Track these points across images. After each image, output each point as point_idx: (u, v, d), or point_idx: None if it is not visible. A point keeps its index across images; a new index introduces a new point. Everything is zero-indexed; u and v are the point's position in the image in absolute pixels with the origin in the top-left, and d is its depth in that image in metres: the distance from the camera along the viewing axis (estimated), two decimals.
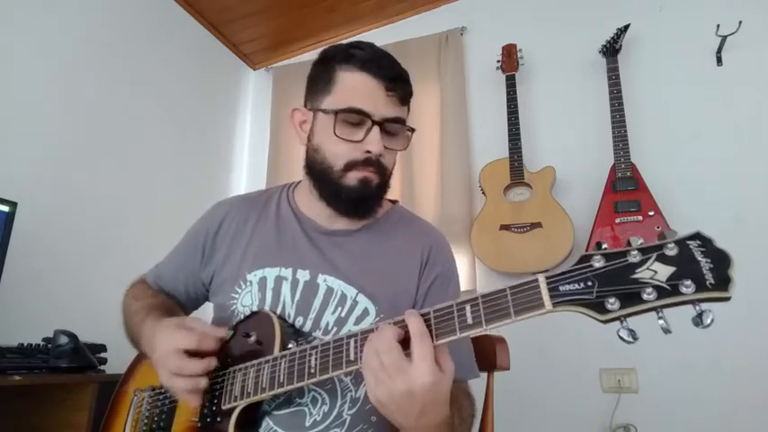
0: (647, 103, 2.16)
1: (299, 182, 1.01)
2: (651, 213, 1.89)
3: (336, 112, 0.84)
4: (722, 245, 0.50)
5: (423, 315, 0.61)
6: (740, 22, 1.99)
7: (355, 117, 0.83)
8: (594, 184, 2.06)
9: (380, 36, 2.62)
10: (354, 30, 2.80)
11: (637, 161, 1.99)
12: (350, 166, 0.85)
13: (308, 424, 0.80)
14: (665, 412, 1.86)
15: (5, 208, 1.48)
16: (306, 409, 0.81)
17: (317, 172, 0.89)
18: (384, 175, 0.88)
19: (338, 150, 0.85)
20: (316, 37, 2.85)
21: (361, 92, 0.84)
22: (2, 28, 1.72)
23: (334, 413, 0.81)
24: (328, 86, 0.87)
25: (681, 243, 0.51)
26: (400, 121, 0.87)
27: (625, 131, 2.01)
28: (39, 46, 1.83)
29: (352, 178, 0.85)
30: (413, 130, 0.90)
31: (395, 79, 0.85)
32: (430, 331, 0.60)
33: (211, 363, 0.75)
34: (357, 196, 0.86)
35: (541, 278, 0.55)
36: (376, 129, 0.83)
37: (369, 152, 0.84)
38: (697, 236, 0.51)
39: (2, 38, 1.72)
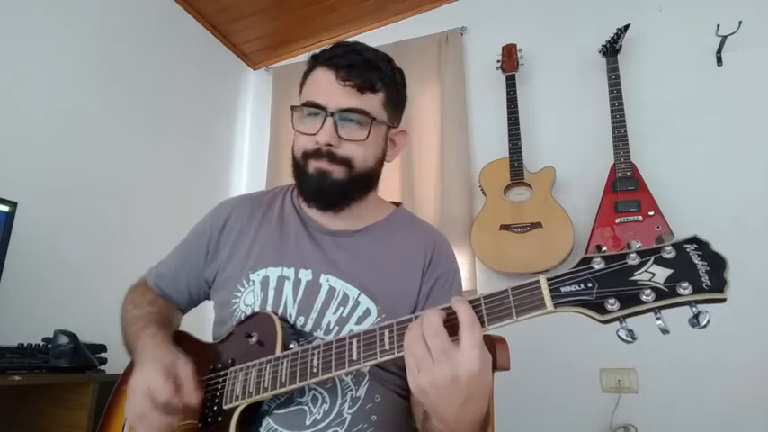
0: (647, 103, 2.16)
1: None
2: (651, 213, 1.89)
3: (294, 108, 0.90)
4: (718, 248, 0.52)
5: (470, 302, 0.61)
6: (740, 22, 1.99)
7: (312, 110, 0.87)
8: (594, 184, 2.06)
9: (380, 36, 2.62)
10: (354, 30, 2.80)
11: (637, 161, 1.99)
12: (306, 155, 0.89)
13: (308, 423, 0.80)
14: (665, 412, 1.86)
15: (5, 208, 1.48)
16: (306, 407, 0.81)
17: (293, 166, 0.95)
18: (348, 167, 0.87)
19: (300, 143, 0.91)
20: (316, 37, 2.85)
21: (318, 85, 0.88)
22: (1, 28, 1.72)
23: (335, 412, 0.81)
24: (301, 87, 0.93)
25: (678, 246, 0.52)
26: (358, 110, 0.86)
27: (625, 131, 2.02)
28: (38, 45, 1.83)
29: (310, 167, 0.89)
30: (373, 119, 0.87)
31: (349, 67, 0.85)
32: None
33: (173, 422, 0.75)
34: (315, 186, 0.89)
35: (543, 279, 0.57)
36: (328, 120, 0.85)
37: (318, 143, 0.86)
38: (694, 239, 0.53)
39: (1, 37, 1.72)
